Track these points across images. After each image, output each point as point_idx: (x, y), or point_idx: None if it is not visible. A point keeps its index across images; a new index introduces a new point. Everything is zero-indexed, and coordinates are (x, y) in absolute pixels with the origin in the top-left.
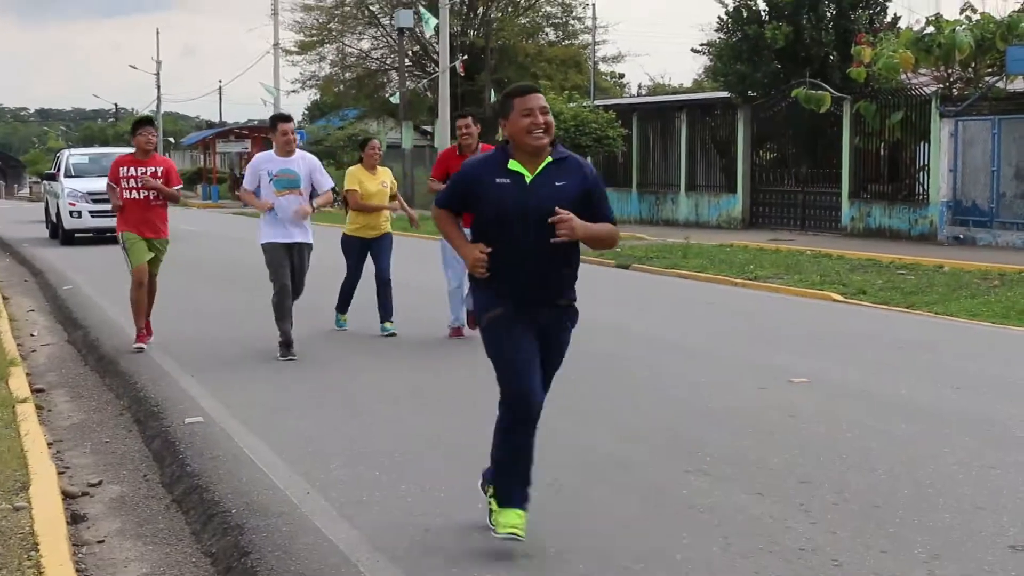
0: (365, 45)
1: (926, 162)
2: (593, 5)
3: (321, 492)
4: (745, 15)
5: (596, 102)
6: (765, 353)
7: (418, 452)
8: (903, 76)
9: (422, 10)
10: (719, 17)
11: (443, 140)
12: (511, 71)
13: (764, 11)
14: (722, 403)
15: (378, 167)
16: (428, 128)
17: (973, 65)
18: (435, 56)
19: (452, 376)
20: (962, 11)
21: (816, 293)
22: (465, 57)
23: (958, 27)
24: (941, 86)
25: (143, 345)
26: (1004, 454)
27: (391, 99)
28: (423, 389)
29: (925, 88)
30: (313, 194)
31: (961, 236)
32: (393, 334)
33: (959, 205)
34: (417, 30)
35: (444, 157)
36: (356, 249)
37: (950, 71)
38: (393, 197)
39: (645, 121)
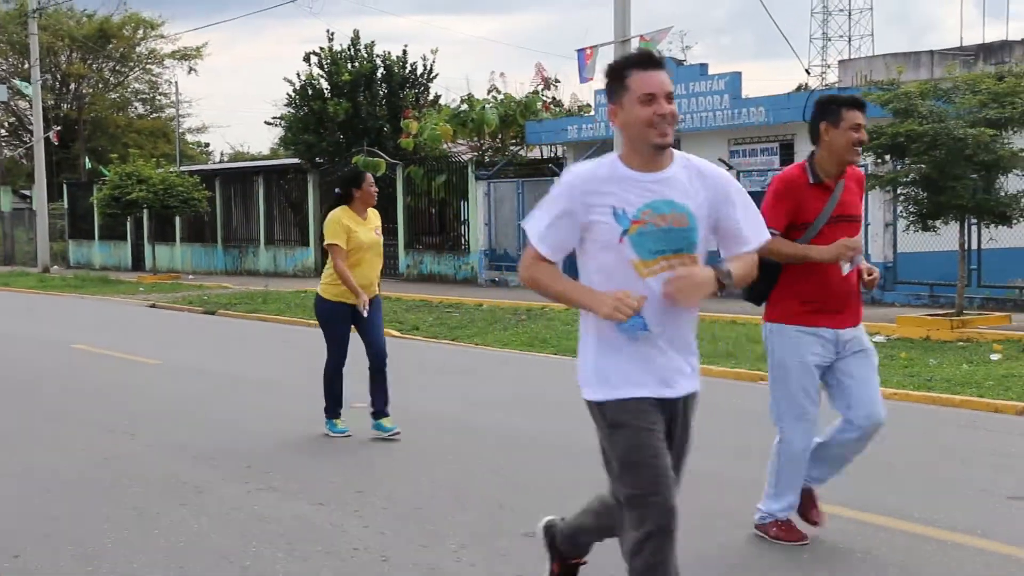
0: None
1: (466, 217)
2: (176, 83)
3: None
4: (310, 92)
5: (183, 168)
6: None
7: (120, 538)
8: (445, 145)
9: (18, 81)
10: (288, 94)
11: (41, 203)
12: (103, 140)
13: (327, 89)
14: (292, 428)
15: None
16: (27, 192)
17: (500, 136)
18: (31, 127)
19: (153, 446)
20: (489, 91)
21: None
22: (59, 128)
23: (487, 105)
24: (476, 154)
25: None
26: (525, 458)
27: None
28: (117, 458)
29: (463, 156)
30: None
31: (496, 279)
32: (397, 433)
33: (494, 253)
34: (12, 103)
35: (794, 187)
36: (340, 319)
37: (482, 141)
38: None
39: (227, 184)
